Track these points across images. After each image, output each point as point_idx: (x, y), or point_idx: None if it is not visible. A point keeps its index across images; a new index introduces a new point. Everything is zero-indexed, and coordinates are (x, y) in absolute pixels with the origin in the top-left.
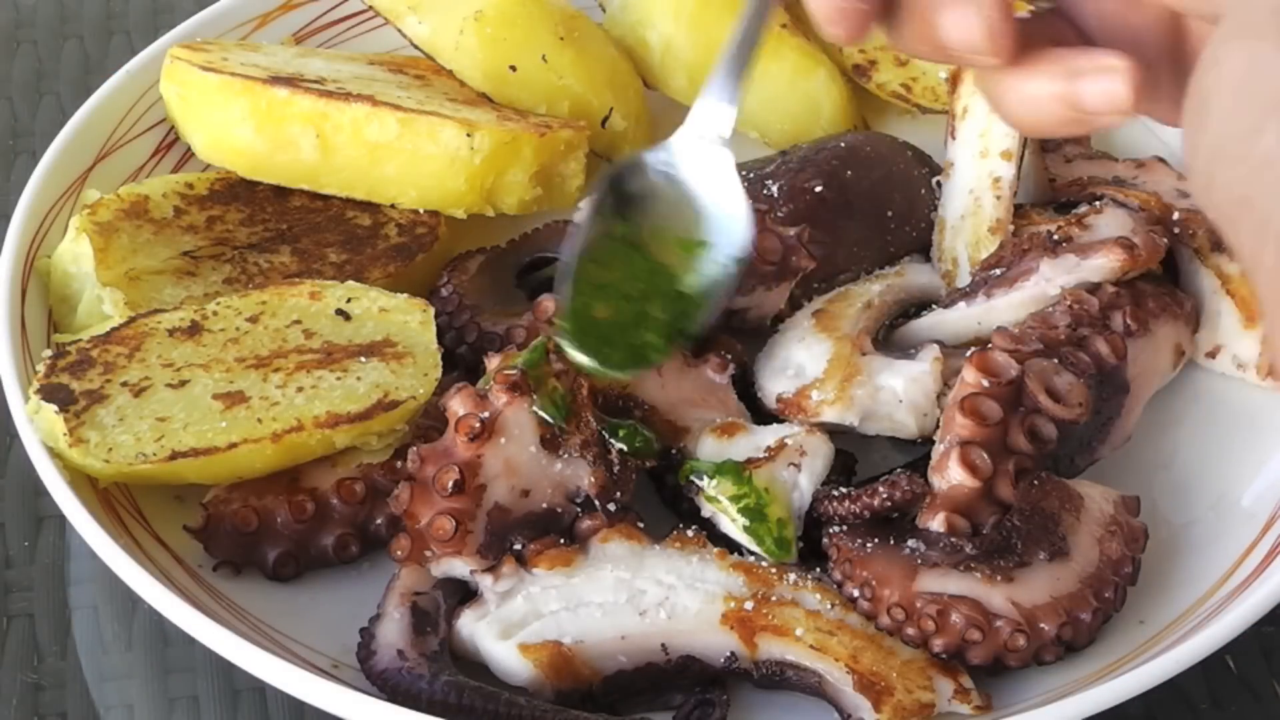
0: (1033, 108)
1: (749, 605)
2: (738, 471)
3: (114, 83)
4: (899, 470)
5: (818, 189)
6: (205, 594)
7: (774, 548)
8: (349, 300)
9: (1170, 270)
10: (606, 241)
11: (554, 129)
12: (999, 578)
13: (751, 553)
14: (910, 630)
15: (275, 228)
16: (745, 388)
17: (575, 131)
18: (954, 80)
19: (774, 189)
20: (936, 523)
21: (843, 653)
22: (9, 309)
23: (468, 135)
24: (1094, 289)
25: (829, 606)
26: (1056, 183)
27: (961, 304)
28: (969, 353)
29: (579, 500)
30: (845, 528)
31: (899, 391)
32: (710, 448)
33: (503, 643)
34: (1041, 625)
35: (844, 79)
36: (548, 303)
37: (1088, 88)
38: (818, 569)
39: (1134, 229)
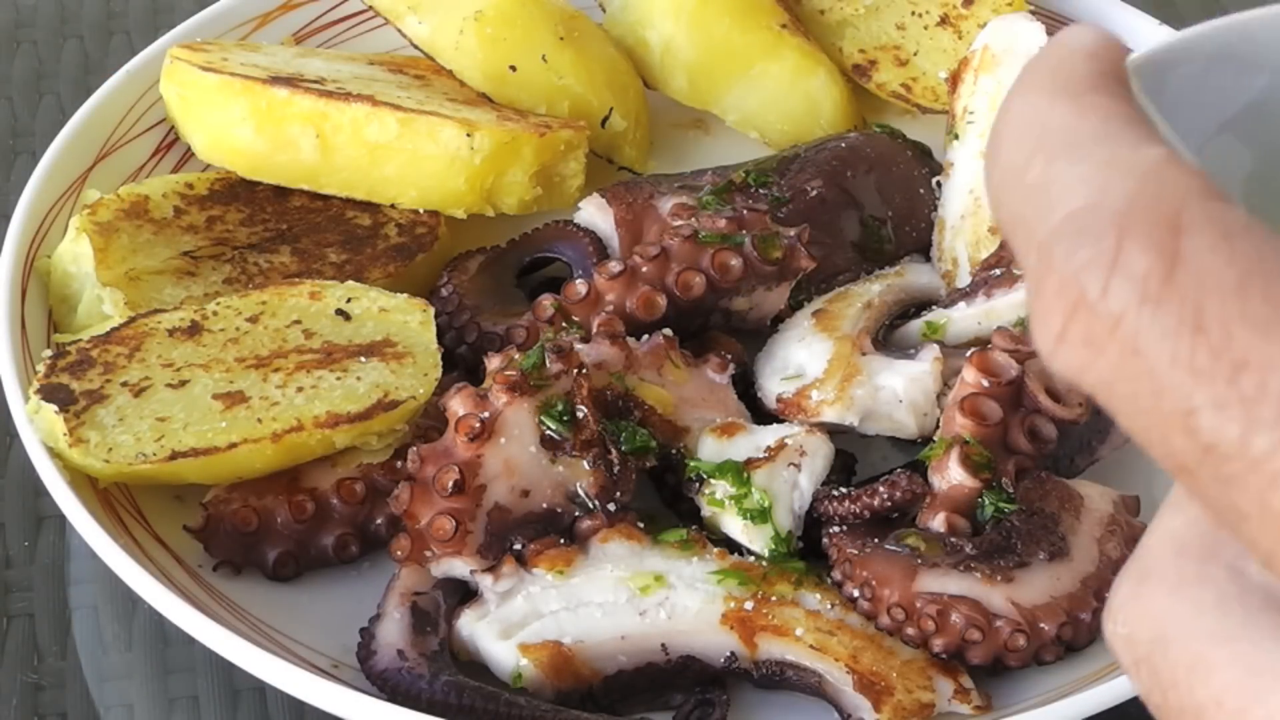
0: None
1: (749, 605)
2: (738, 471)
3: (114, 83)
4: (899, 470)
5: (818, 189)
6: (205, 594)
7: (774, 547)
8: (349, 300)
9: None
10: None
11: (554, 129)
12: (999, 578)
13: (751, 553)
14: (910, 630)
15: (275, 228)
16: (745, 388)
17: (575, 131)
18: (954, 80)
19: (774, 189)
20: (936, 523)
21: (843, 653)
22: (9, 309)
23: (468, 135)
24: None
25: (829, 606)
26: None
27: (961, 304)
28: (969, 353)
29: (579, 500)
30: (845, 528)
31: (899, 391)
32: (710, 448)
33: (503, 643)
34: (1041, 625)
35: (844, 79)
36: (547, 302)
37: None
38: (818, 569)
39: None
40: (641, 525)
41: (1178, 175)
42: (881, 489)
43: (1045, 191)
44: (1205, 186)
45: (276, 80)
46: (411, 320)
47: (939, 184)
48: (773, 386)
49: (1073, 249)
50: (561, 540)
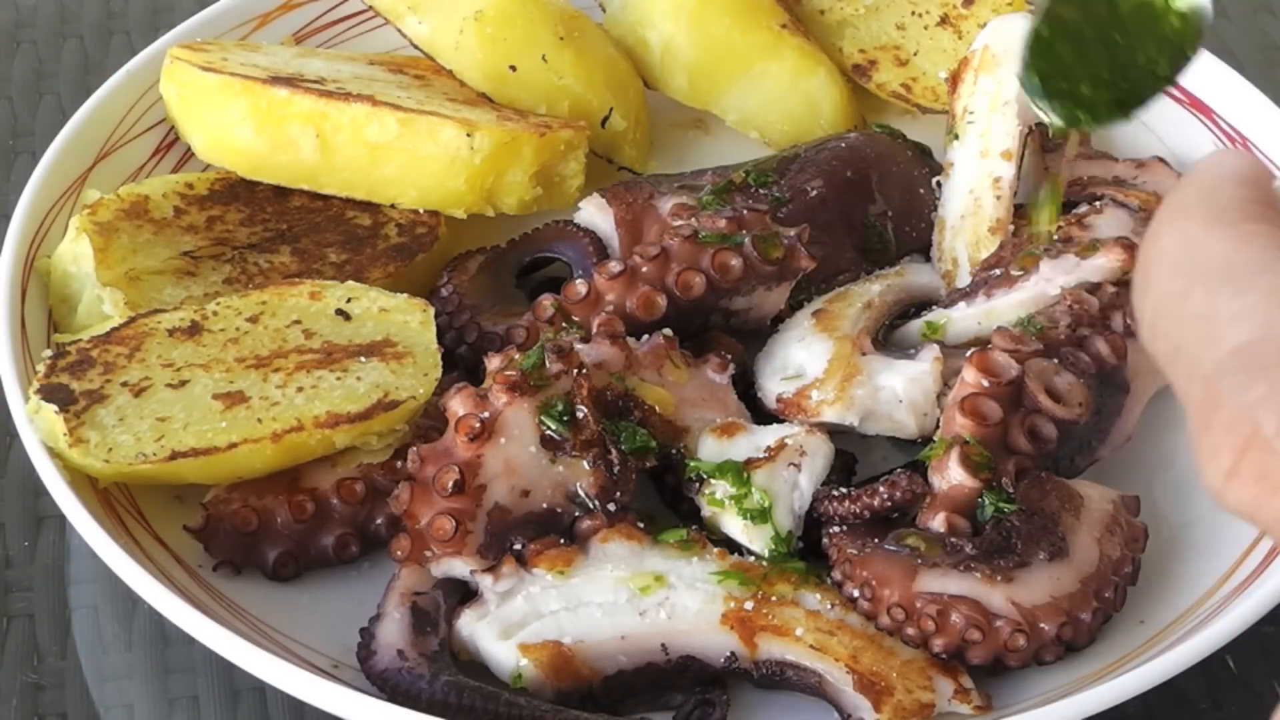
0: None
1: (749, 605)
2: (738, 471)
3: (114, 83)
4: (899, 470)
5: (818, 189)
6: (205, 594)
7: (774, 547)
8: (349, 300)
9: None
10: None
11: (554, 129)
12: (999, 578)
13: (751, 553)
14: (910, 630)
15: (275, 228)
16: (745, 388)
17: (575, 131)
18: (954, 80)
19: (774, 189)
20: (936, 523)
21: (843, 653)
22: (9, 309)
23: (468, 135)
24: (1094, 289)
25: (829, 606)
26: None
27: (961, 304)
28: (969, 353)
29: (579, 500)
30: (845, 528)
31: (899, 391)
32: (710, 448)
33: (503, 643)
34: (1041, 625)
35: (844, 79)
36: (547, 302)
37: None
38: (818, 569)
39: (1134, 229)
40: (641, 525)
41: None
42: (881, 489)
43: (1209, 323)
44: None
45: (276, 80)
46: (411, 320)
47: (939, 184)
48: (773, 386)
49: (1244, 384)
50: (561, 540)
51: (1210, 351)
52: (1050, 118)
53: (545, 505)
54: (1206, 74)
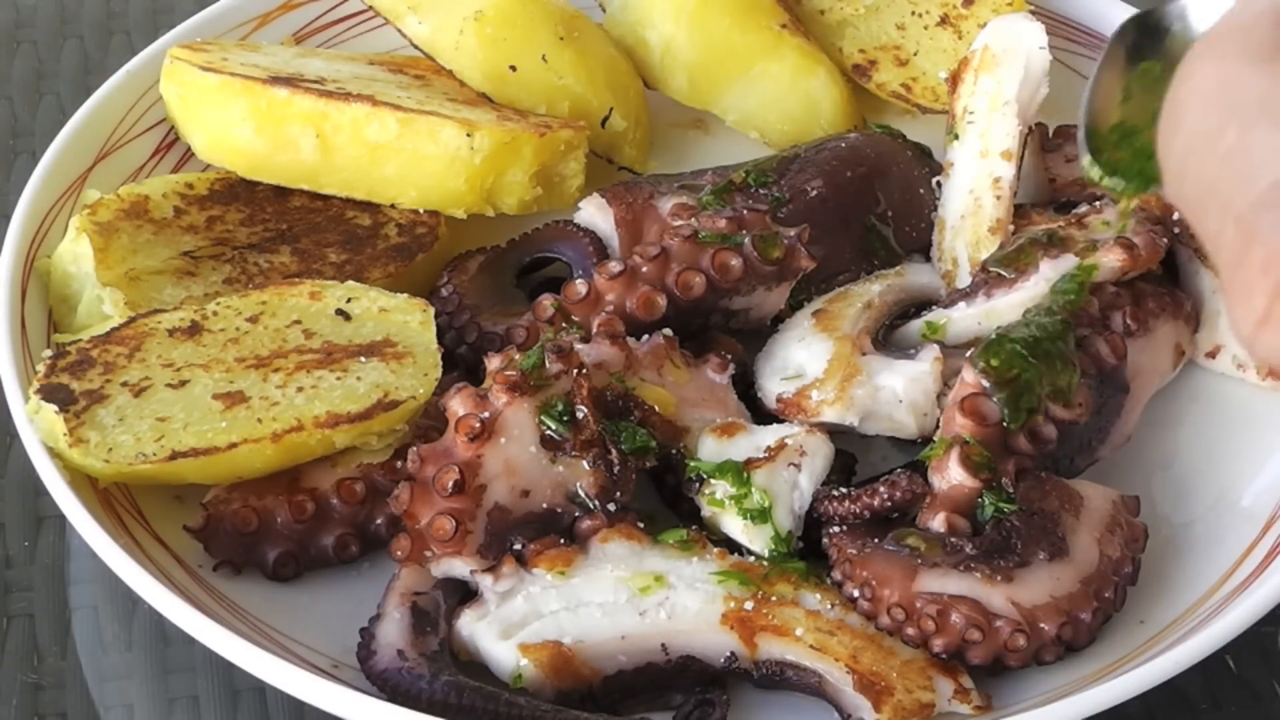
0: None
1: (749, 605)
2: (738, 471)
3: (114, 83)
4: (899, 470)
5: (818, 189)
6: (205, 594)
7: (774, 547)
8: (349, 300)
9: (1170, 270)
10: (1125, 79)
11: (554, 129)
12: (999, 578)
13: (751, 553)
14: (910, 630)
15: (275, 228)
16: (745, 388)
17: (575, 131)
18: (954, 80)
19: (774, 189)
20: (936, 523)
21: (843, 653)
22: (9, 309)
23: (468, 135)
24: (1094, 289)
25: (829, 606)
26: (1056, 183)
27: (961, 304)
28: (969, 353)
29: (579, 500)
30: (845, 528)
31: (899, 391)
32: (710, 448)
33: (503, 643)
34: (1041, 625)
35: (844, 79)
36: (547, 302)
37: None
38: (818, 569)
39: (1134, 229)
40: (641, 525)
41: None
42: (881, 489)
43: (1245, 159)
44: None
45: (276, 80)
46: (411, 320)
47: (939, 184)
48: (773, 386)
49: None
50: (561, 540)
51: (1245, 189)
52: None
53: (545, 505)
54: None
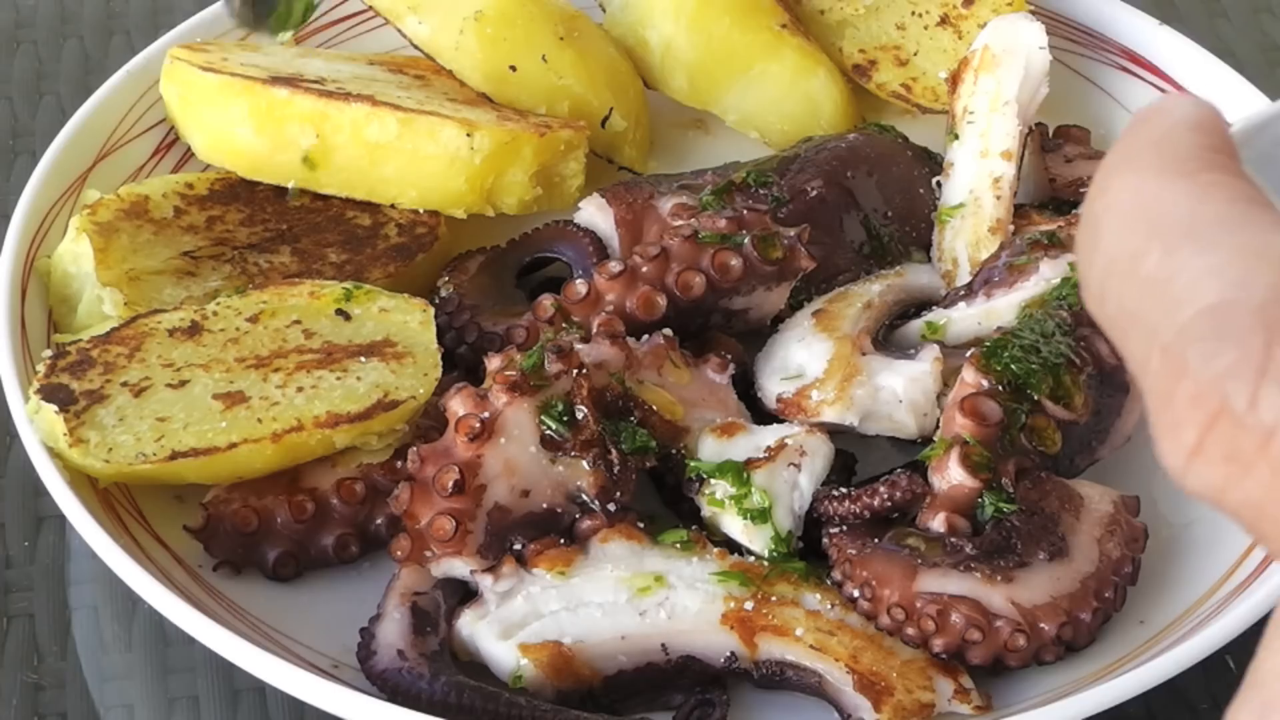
0: None
1: (749, 605)
2: (738, 471)
3: (114, 83)
4: (899, 470)
5: (818, 189)
6: (205, 594)
7: (774, 547)
8: (349, 300)
9: None
10: None
11: (554, 129)
12: (999, 578)
13: (751, 553)
14: (910, 630)
15: (275, 228)
16: (745, 388)
17: (575, 131)
18: (954, 80)
19: (774, 189)
20: (936, 523)
21: (843, 653)
22: (9, 309)
23: (468, 135)
24: None
25: (829, 606)
26: (1056, 183)
27: (961, 304)
28: (969, 353)
29: (579, 500)
30: (845, 528)
31: (899, 391)
32: (710, 448)
33: (503, 643)
34: (1041, 625)
35: (844, 79)
36: (547, 302)
37: None
38: (818, 569)
39: None
40: (641, 525)
41: None
42: (881, 489)
43: (1169, 285)
44: None
45: (276, 80)
46: (411, 320)
47: (939, 184)
48: (773, 386)
49: (1212, 352)
50: (561, 540)
51: (1171, 316)
52: None
53: (545, 505)
54: (1207, 74)
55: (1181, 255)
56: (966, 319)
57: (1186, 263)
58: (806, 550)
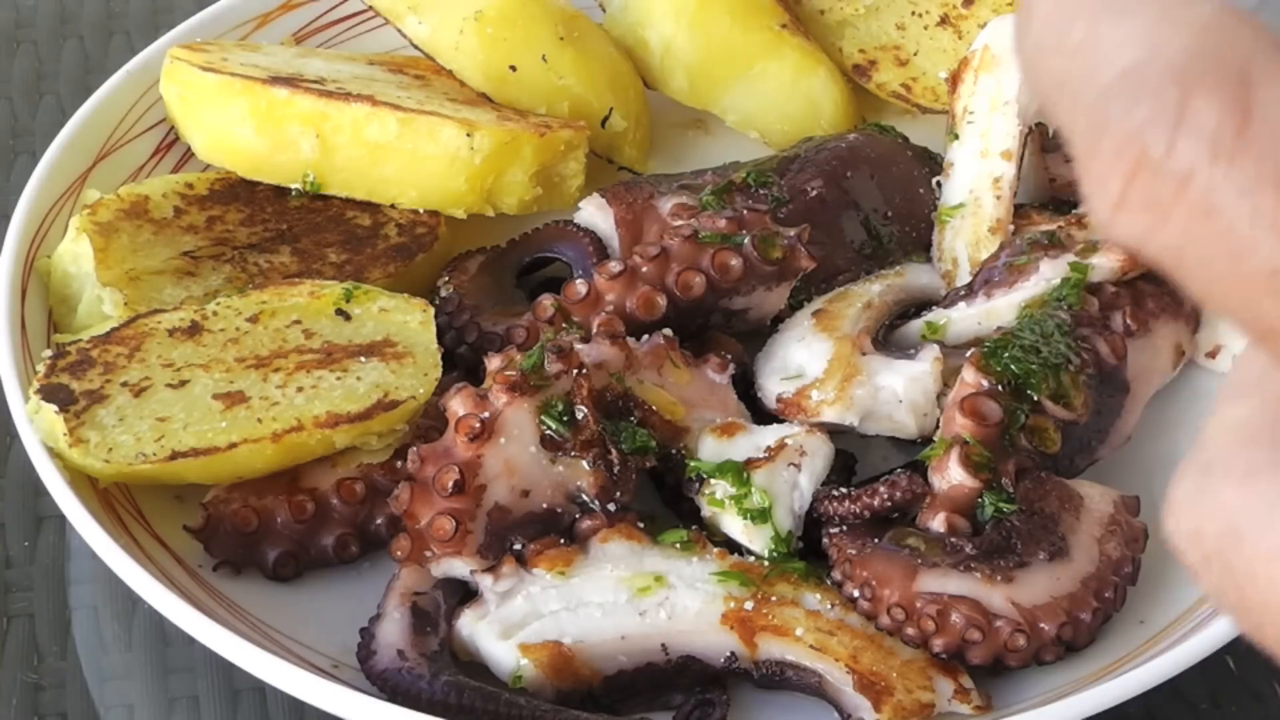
0: None
1: (749, 605)
2: (738, 471)
3: (114, 83)
4: (899, 470)
5: (818, 189)
6: (205, 594)
7: (774, 547)
8: (349, 300)
9: None
10: None
11: (554, 129)
12: (999, 578)
13: (751, 553)
14: (910, 630)
15: (275, 228)
16: (745, 388)
17: (575, 131)
18: (954, 80)
19: (774, 189)
20: (936, 523)
21: (843, 653)
22: (9, 309)
23: (468, 135)
24: (1094, 289)
25: (829, 606)
26: (1056, 183)
27: (961, 304)
28: (969, 353)
29: (579, 500)
30: (845, 528)
31: (899, 391)
32: (710, 448)
33: (503, 643)
34: (1041, 625)
35: (844, 79)
36: (547, 302)
37: None
38: (818, 569)
39: None
40: (641, 525)
41: (1239, 27)
42: (881, 489)
43: (1092, 51)
44: (1270, 38)
45: (276, 80)
46: (411, 320)
47: (939, 184)
48: (773, 386)
49: (1130, 105)
50: (561, 540)
51: (1094, 80)
52: None
53: (545, 505)
54: None
55: (1102, 25)
56: (966, 319)
57: (1107, 32)
58: (806, 550)
